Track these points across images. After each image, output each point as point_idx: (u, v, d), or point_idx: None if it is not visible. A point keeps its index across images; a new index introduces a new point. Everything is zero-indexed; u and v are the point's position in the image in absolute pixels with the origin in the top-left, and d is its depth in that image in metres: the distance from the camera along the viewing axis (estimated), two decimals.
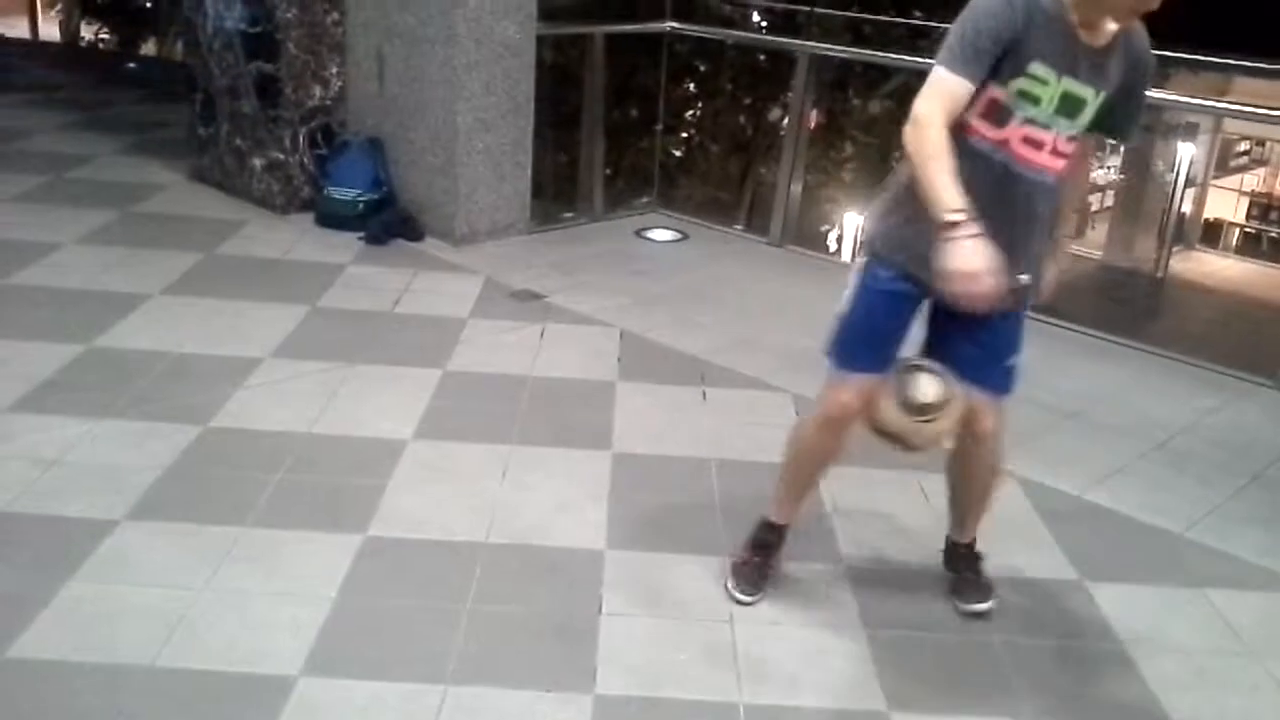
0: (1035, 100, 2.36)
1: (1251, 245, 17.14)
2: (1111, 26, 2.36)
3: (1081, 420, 3.99)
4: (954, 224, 2.22)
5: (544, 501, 3.21)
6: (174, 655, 2.46)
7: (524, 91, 5.45)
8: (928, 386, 2.51)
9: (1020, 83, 2.35)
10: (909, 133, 2.33)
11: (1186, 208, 15.58)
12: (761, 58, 10.48)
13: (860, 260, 2.62)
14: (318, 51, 5.58)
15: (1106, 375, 4.42)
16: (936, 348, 2.63)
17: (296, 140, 5.64)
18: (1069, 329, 4.90)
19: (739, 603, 2.80)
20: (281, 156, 5.63)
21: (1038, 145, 2.41)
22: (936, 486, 3.42)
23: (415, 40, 5.30)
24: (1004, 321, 2.58)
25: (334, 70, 5.66)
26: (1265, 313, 11.15)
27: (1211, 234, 17.20)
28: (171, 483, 3.16)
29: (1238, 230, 17.42)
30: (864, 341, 2.60)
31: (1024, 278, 2.54)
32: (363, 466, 3.31)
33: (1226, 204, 17.41)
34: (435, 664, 2.49)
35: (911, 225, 2.46)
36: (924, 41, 8.24)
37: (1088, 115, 2.42)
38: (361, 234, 5.39)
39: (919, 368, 2.55)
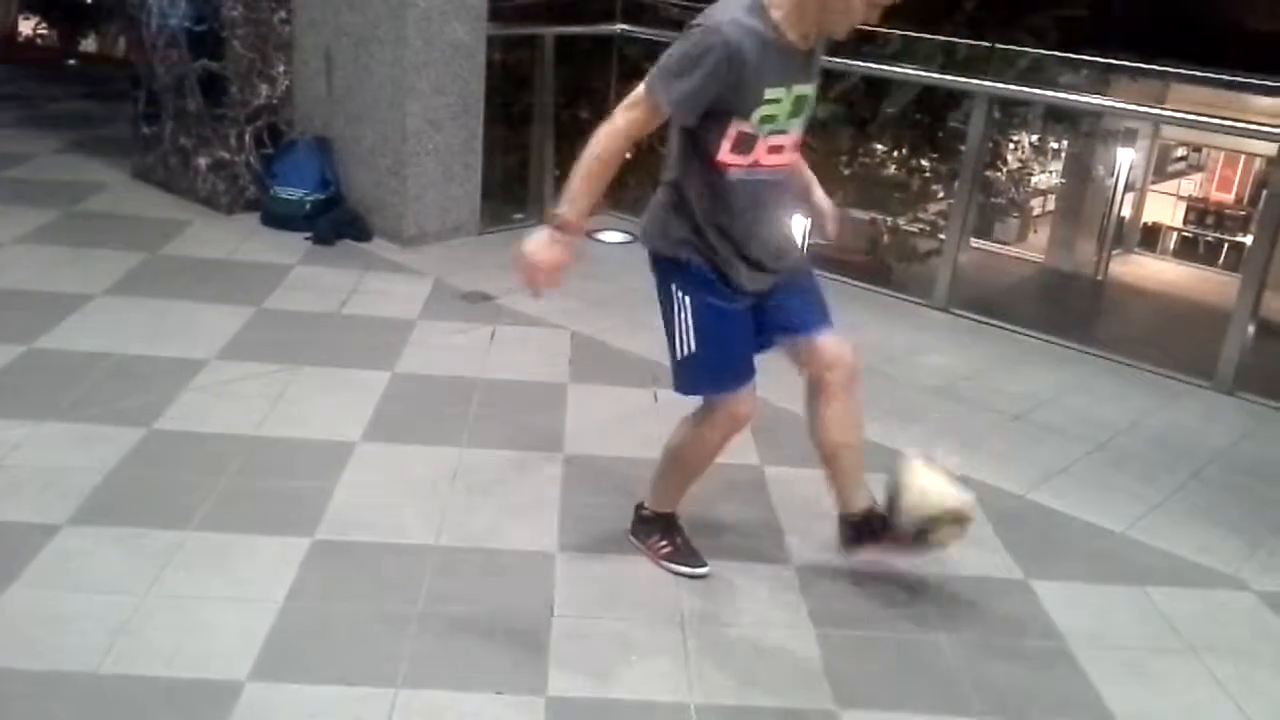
0: (774, 118, 2.52)
1: (1189, 249, 17.48)
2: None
3: (1025, 421, 4.05)
4: (560, 221, 2.48)
5: (495, 504, 3.20)
6: (118, 662, 2.42)
7: (474, 92, 5.43)
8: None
9: (762, 110, 2.49)
10: (605, 131, 2.48)
11: (1126, 212, 15.87)
12: None
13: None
14: (264, 50, 5.52)
15: (1049, 377, 4.49)
16: (762, 334, 2.75)
17: (242, 139, 5.57)
18: (1012, 331, 4.98)
19: (698, 576, 2.90)
20: (227, 156, 5.56)
21: (779, 150, 2.58)
22: (879, 483, 3.47)
23: (364, 40, 5.26)
24: (803, 287, 2.78)
25: (281, 69, 5.60)
26: (1202, 315, 11.39)
27: (1150, 238, 17.52)
28: (115, 486, 3.11)
29: (1175, 234, 17.77)
30: None
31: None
32: (310, 469, 3.29)
33: (1164, 208, 17.75)
34: (385, 668, 2.47)
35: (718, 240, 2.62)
36: (868, 46, 8.32)
37: (812, 103, 2.61)
38: (308, 234, 5.34)
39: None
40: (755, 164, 2.55)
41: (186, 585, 2.71)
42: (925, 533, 2.79)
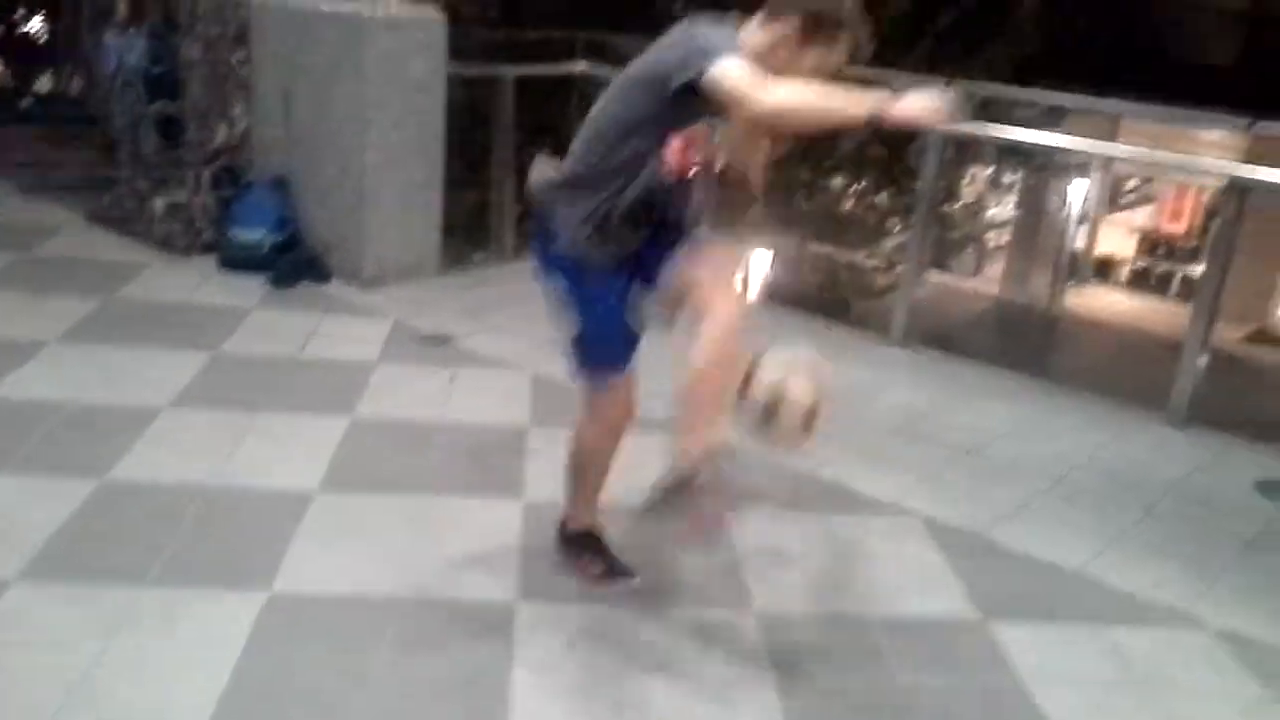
0: (716, 136, 2.64)
1: (1141, 280, 17.73)
2: None
3: (980, 457, 4.09)
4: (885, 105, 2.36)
5: (455, 553, 3.18)
6: None
7: (433, 131, 5.45)
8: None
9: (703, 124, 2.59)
10: (785, 106, 2.39)
11: (1079, 244, 16.07)
12: None
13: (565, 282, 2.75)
14: (223, 91, 5.51)
15: (1003, 411, 4.54)
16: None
17: (199, 181, 5.55)
18: (969, 366, 5.04)
19: (633, 587, 3.01)
20: (184, 198, 5.53)
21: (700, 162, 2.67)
22: (841, 526, 3.49)
23: (323, 79, 5.26)
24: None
25: (239, 110, 5.59)
26: (1154, 347, 11.53)
27: (1103, 269, 17.76)
28: (68, 539, 3.06)
29: (1128, 266, 18.02)
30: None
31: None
32: (267, 519, 3.25)
33: (1117, 240, 18.01)
34: None
35: (604, 221, 2.66)
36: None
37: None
38: (267, 276, 5.31)
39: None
40: (685, 168, 2.63)
41: (140, 641, 2.67)
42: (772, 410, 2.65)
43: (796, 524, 3.50)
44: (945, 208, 10.81)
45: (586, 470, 3.00)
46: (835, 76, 2.55)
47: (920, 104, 2.37)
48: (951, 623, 3.07)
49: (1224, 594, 3.31)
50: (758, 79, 2.40)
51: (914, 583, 3.23)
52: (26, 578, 2.87)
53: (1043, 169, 13.29)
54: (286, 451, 3.68)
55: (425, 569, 3.08)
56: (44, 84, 13.31)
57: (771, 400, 2.65)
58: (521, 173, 6.44)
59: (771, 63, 2.53)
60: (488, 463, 3.74)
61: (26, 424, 3.70)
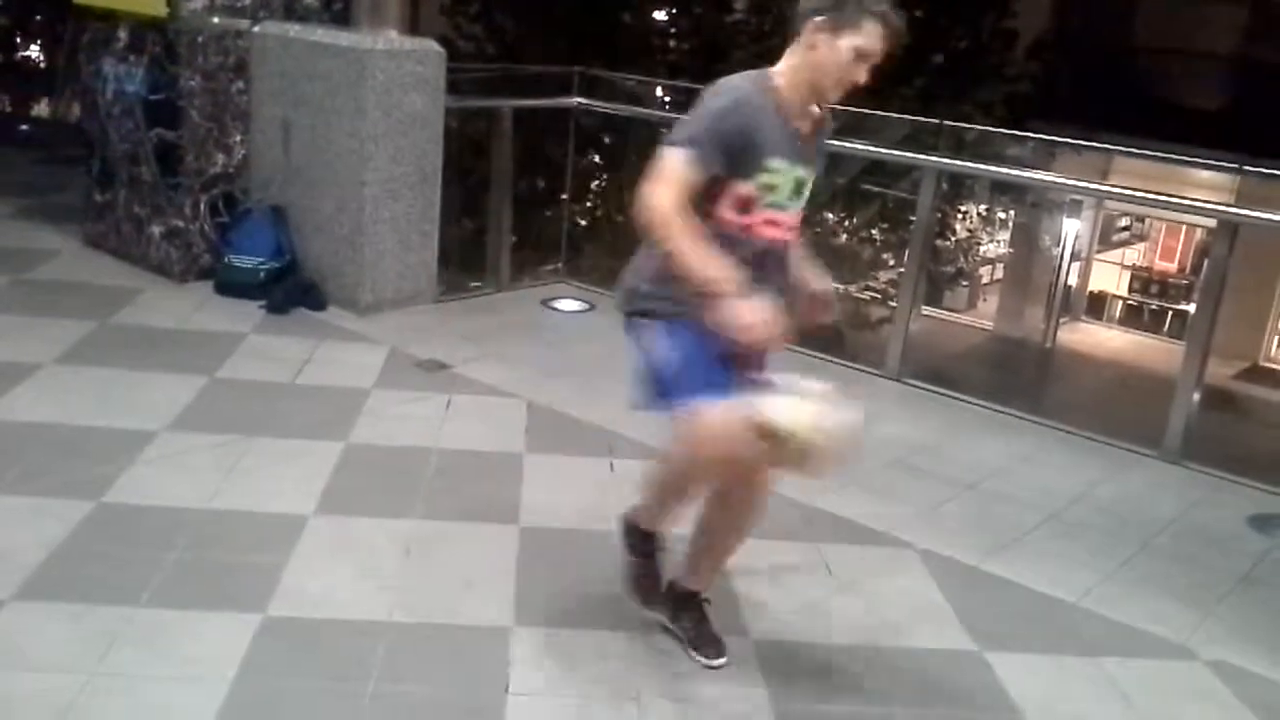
0: (774, 189, 2.61)
1: (1134, 317, 17.84)
2: (813, 111, 2.66)
3: (977, 492, 4.09)
4: (727, 289, 2.45)
5: (449, 578, 3.17)
6: None
7: (432, 162, 5.47)
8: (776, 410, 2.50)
9: (763, 178, 2.59)
10: (652, 222, 2.49)
11: (1072, 280, 16.18)
12: (665, 131, 10.64)
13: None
14: (221, 119, 5.53)
15: (1000, 447, 4.54)
16: None
17: (197, 207, 5.55)
18: (964, 401, 5.05)
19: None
20: (181, 224, 5.54)
21: (778, 224, 2.67)
22: (838, 557, 3.49)
23: (322, 110, 5.29)
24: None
25: (238, 138, 5.61)
26: (1147, 383, 11.59)
27: (1096, 306, 17.86)
28: (61, 561, 3.05)
29: (1120, 302, 18.13)
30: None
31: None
32: (262, 543, 3.24)
33: (1110, 277, 18.13)
34: None
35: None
36: None
37: (809, 191, 2.72)
38: (263, 302, 5.31)
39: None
40: (748, 228, 2.62)
41: (135, 663, 2.65)
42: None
43: (793, 554, 3.50)
44: (940, 242, 10.88)
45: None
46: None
47: (748, 316, 2.42)
48: (949, 654, 3.06)
49: (1220, 627, 3.31)
50: (666, 176, 2.50)
51: (911, 614, 3.23)
52: (20, 599, 2.85)
53: (1035, 206, 13.39)
54: (281, 476, 3.67)
55: (419, 594, 3.07)
56: (42, 109, 13.37)
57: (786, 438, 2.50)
58: (518, 202, 6.50)
59: (816, 76, 2.57)
60: (482, 488, 3.73)
61: (20, 445, 3.69)
